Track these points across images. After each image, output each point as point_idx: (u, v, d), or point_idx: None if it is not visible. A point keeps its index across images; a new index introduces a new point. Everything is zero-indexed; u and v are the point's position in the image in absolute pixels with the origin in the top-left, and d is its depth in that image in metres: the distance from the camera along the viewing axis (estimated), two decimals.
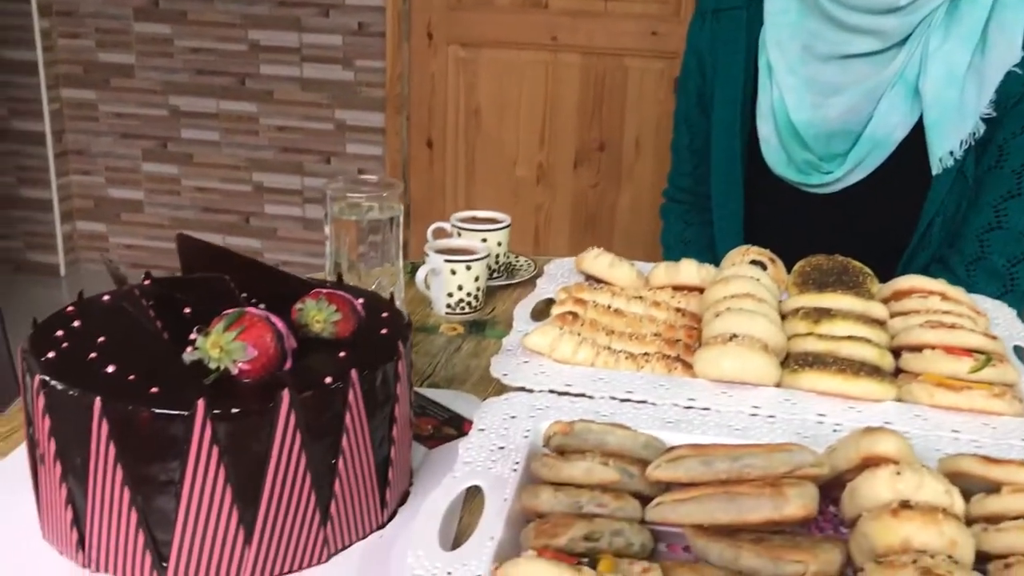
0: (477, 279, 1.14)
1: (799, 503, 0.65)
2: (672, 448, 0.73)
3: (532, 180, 3.18)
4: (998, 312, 1.13)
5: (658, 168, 3.06)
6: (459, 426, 0.90)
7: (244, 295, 0.73)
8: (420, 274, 1.13)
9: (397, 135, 3.22)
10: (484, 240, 1.21)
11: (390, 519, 0.76)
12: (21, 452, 0.82)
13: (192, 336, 0.71)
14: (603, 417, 0.85)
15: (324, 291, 0.73)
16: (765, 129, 1.38)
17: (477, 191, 3.23)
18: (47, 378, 0.65)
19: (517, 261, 1.32)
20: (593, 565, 0.61)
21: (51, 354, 0.68)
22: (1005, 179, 1.26)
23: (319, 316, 0.72)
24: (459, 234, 1.23)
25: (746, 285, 1.03)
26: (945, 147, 1.25)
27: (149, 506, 0.64)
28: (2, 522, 0.73)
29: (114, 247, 3.50)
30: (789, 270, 1.19)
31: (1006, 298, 1.27)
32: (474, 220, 1.27)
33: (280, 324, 0.67)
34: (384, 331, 0.76)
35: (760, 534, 0.67)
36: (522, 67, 3.07)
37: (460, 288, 1.13)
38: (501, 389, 0.94)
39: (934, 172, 1.27)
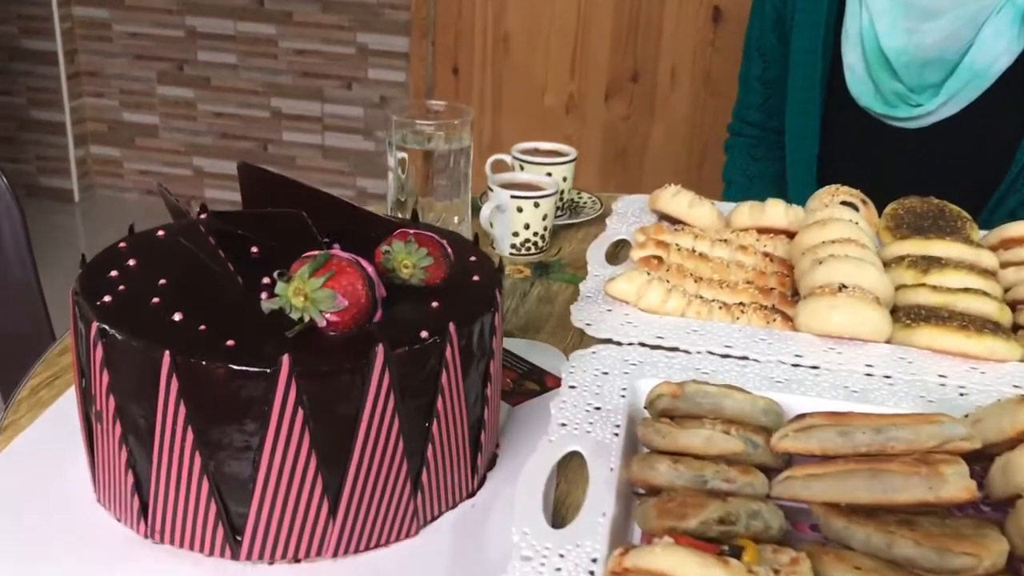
0: (545, 218, 1.05)
1: (960, 484, 0.57)
2: (802, 416, 0.65)
3: (561, 111, 3.06)
4: None
5: (694, 100, 2.94)
6: (541, 380, 0.82)
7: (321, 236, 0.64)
8: (485, 211, 1.04)
9: (422, 61, 3.09)
10: (549, 174, 1.12)
11: (480, 486, 0.68)
12: (67, 402, 0.74)
13: (265, 279, 0.63)
14: (704, 375, 0.77)
15: (412, 231, 0.64)
16: (851, 56, 1.28)
17: (504, 121, 3.11)
18: (106, 327, 0.57)
19: (580, 198, 1.23)
20: (733, 553, 0.53)
21: (107, 298, 0.60)
22: None
23: (408, 260, 0.63)
24: (522, 167, 1.14)
25: (846, 229, 0.94)
26: None
27: (222, 473, 0.57)
28: (49, 482, 0.66)
29: (128, 172, 3.40)
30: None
31: None
32: (536, 152, 1.18)
33: (370, 270, 0.58)
34: (476, 278, 0.67)
35: (906, 515, 0.59)
36: None
37: (527, 227, 1.04)
38: (580, 339, 0.87)
39: None
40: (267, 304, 0.57)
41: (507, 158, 1.17)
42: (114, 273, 0.63)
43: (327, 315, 0.56)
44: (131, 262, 0.65)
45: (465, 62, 3.07)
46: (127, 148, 3.38)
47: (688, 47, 2.91)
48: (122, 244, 0.68)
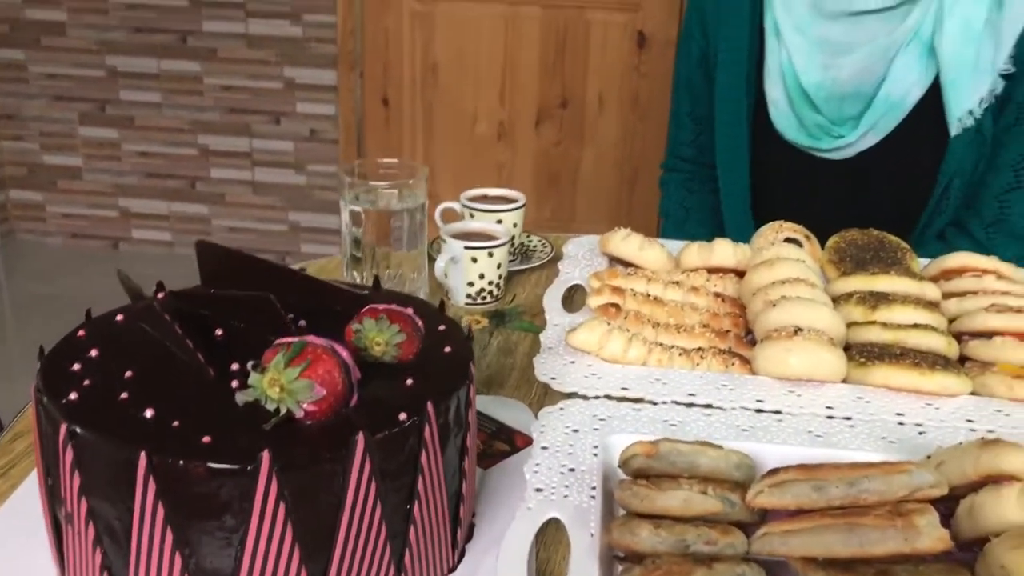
0: (499, 266, 1.06)
1: (934, 535, 0.59)
2: (775, 471, 0.66)
3: (493, 138, 3.08)
4: None
5: (622, 124, 2.98)
6: (511, 440, 0.82)
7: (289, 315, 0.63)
8: (439, 263, 1.04)
9: (351, 93, 3.08)
10: (500, 222, 1.12)
11: (460, 559, 0.68)
12: (27, 494, 0.72)
13: (234, 366, 0.62)
14: (672, 427, 0.78)
15: (382, 308, 0.64)
16: (774, 92, 1.32)
17: (436, 149, 3.12)
18: (76, 428, 0.55)
19: (530, 241, 1.23)
20: None
21: (73, 395, 0.58)
22: None
23: (380, 338, 0.62)
24: (472, 215, 1.14)
25: (795, 269, 0.96)
26: (964, 106, 1.21)
27: (203, 571, 0.55)
28: None
29: (51, 216, 3.31)
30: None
31: None
32: (485, 199, 1.18)
33: (345, 355, 0.58)
34: (447, 349, 0.67)
35: (882, 565, 0.61)
36: (480, 21, 2.95)
37: (482, 277, 1.04)
38: (546, 392, 0.87)
39: (952, 133, 1.22)
40: (242, 396, 0.56)
41: (456, 206, 1.17)
42: (76, 366, 0.61)
43: (305, 405, 0.56)
44: (93, 353, 0.63)
45: (395, 93, 3.07)
46: (49, 191, 3.28)
47: (615, 73, 2.95)
48: (81, 332, 0.66)
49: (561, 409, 0.80)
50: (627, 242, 1.08)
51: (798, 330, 0.86)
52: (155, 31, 3.04)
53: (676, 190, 1.54)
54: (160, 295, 0.69)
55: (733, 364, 0.89)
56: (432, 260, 1.07)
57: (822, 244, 1.13)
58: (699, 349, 0.90)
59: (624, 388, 0.84)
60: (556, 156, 3.08)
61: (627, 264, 1.08)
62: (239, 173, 3.21)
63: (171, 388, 0.60)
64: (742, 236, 1.35)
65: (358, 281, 0.97)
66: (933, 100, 1.22)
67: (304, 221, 3.27)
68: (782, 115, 1.32)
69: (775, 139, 1.34)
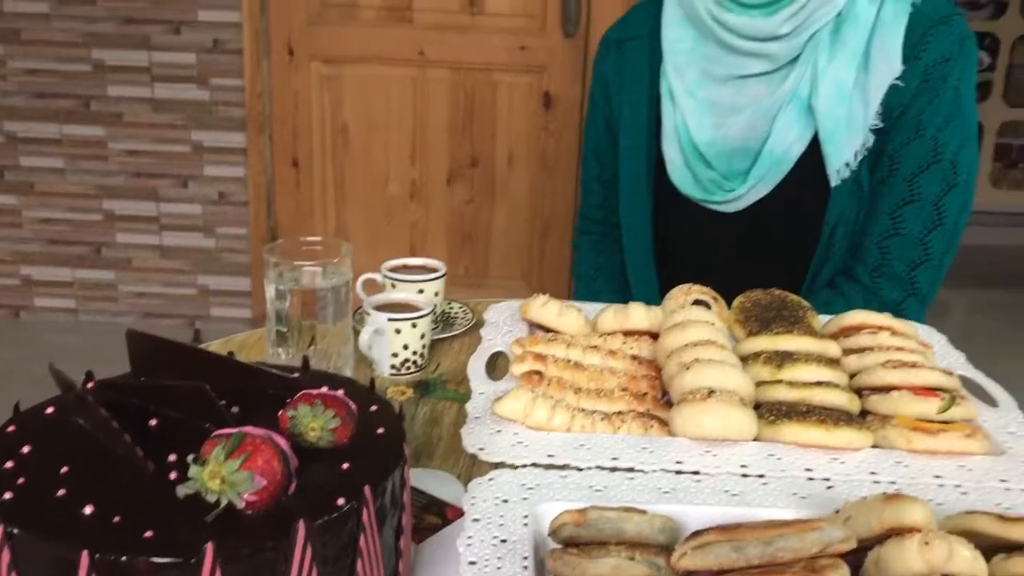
0: (423, 336, 1.08)
1: None
2: (697, 533, 0.69)
3: (405, 197, 3.11)
4: (931, 338, 1.16)
5: (532, 182, 3.05)
6: (442, 512, 0.84)
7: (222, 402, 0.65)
8: (364, 336, 1.05)
9: (260, 155, 3.07)
10: (421, 291, 1.15)
11: None
12: None
13: (172, 456, 0.62)
14: (597, 492, 0.81)
15: (316, 393, 0.66)
16: (670, 151, 1.41)
17: (348, 210, 3.13)
18: (14, 529, 0.55)
19: (452, 308, 1.26)
20: None
21: (8, 494, 0.58)
22: (899, 187, 1.31)
23: (315, 424, 0.64)
24: (393, 286, 1.16)
25: (705, 331, 1.01)
26: (840, 159, 1.30)
27: None
28: None
29: None
30: (693, 275, 1.19)
31: (908, 302, 1.33)
32: (405, 268, 1.21)
33: (283, 443, 0.59)
34: (380, 430, 0.69)
35: None
36: (389, 83, 3.00)
37: (406, 347, 1.06)
38: (473, 462, 0.89)
39: (832, 184, 1.32)
40: (182, 489, 0.57)
41: (378, 277, 1.19)
42: (9, 464, 0.61)
43: (245, 496, 0.57)
44: (25, 449, 0.63)
45: (304, 155, 3.08)
46: None
47: (523, 132, 3.02)
48: (10, 428, 0.66)
49: (490, 480, 0.82)
50: (546, 308, 1.11)
51: (711, 392, 0.91)
52: (57, 96, 2.99)
53: (587, 252, 1.60)
54: (90, 384, 0.69)
55: (652, 427, 0.92)
56: (356, 331, 1.09)
57: (728, 301, 1.18)
58: (619, 413, 0.94)
59: (550, 455, 0.87)
60: (468, 214, 3.13)
61: (547, 329, 1.12)
62: (146, 238, 3.17)
63: (109, 483, 0.60)
64: (647, 293, 1.41)
65: (284, 358, 0.98)
66: (814, 154, 1.32)
67: (214, 284, 3.24)
68: (678, 172, 1.41)
69: (674, 196, 1.43)
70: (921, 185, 1.30)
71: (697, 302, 1.15)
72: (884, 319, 1.08)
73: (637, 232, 1.48)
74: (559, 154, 2.99)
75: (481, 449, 0.87)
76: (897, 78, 1.27)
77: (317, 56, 2.98)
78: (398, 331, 1.05)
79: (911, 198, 1.31)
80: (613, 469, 0.85)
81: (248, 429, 0.59)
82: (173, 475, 0.60)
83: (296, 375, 0.74)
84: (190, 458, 0.57)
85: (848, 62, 1.27)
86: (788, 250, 1.39)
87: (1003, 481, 0.86)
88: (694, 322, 1.03)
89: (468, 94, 3.00)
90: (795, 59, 1.31)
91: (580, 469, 0.85)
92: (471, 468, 0.89)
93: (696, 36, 1.36)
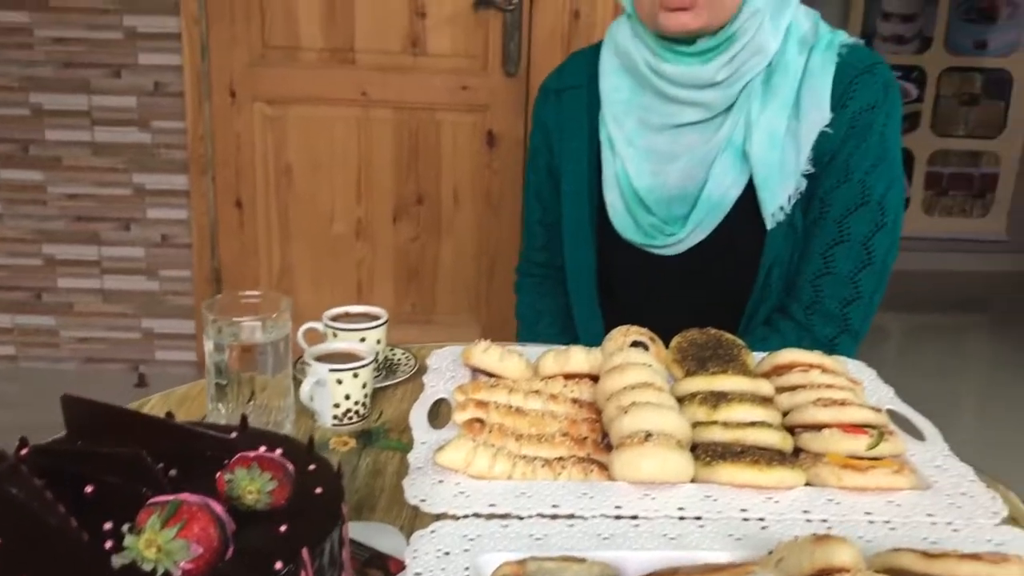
0: (365, 386, 1.08)
1: None
2: None
3: (351, 236, 3.11)
4: (861, 373, 1.19)
5: (478, 219, 3.07)
6: (384, 567, 0.84)
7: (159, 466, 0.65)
8: (305, 387, 1.06)
9: (203, 197, 3.06)
10: (363, 340, 1.16)
11: None
12: None
13: (107, 525, 0.62)
14: (538, 541, 0.82)
15: (253, 455, 0.66)
16: (612, 197, 1.44)
17: (293, 250, 3.12)
18: None
19: (394, 355, 1.27)
20: None
21: None
22: (829, 228, 1.36)
23: (253, 487, 0.64)
24: (335, 335, 1.17)
25: (642, 374, 1.03)
26: (775, 203, 1.35)
27: None
28: None
29: None
30: (648, 330, 1.21)
31: (841, 338, 1.37)
32: (347, 316, 1.21)
33: (219, 509, 0.60)
34: (319, 490, 0.69)
35: None
36: (333, 123, 3.01)
37: (348, 398, 1.07)
38: (416, 513, 0.90)
39: (768, 227, 1.36)
40: (118, 559, 0.57)
41: (319, 326, 1.19)
42: None
43: (182, 564, 0.57)
44: None
45: (248, 195, 3.07)
46: None
47: (467, 170, 3.05)
48: None
49: (432, 532, 0.83)
50: (488, 354, 1.13)
51: (648, 435, 0.93)
52: None
53: (528, 294, 1.62)
54: (23, 451, 0.68)
55: (592, 471, 0.94)
56: (297, 381, 1.09)
57: (667, 341, 1.21)
58: (560, 459, 0.95)
59: (491, 504, 0.88)
60: (415, 251, 3.14)
61: (490, 374, 1.13)
62: (88, 282, 3.12)
63: (44, 554, 0.60)
64: (592, 334, 1.44)
65: (223, 413, 0.98)
66: (750, 198, 1.36)
67: (158, 327, 3.20)
68: (620, 217, 1.44)
69: (617, 240, 1.46)
70: (851, 226, 1.35)
71: (635, 343, 1.17)
72: (815, 357, 1.11)
73: (582, 275, 1.51)
74: (503, 191, 3.02)
75: (423, 500, 0.88)
76: (826, 125, 1.32)
77: (259, 97, 2.98)
78: (339, 382, 1.06)
79: (841, 238, 1.35)
80: (554, 516, 0.86)
81: (184, 496, 0.59)
82: (109, 544, 0.59)
83: (234, 435, 0.74)
84: (125, 527, 0.58)
85: (780, 110, 1.32)
86: (726, 290, 1.43)
87: (929, 515, 0.89)
88: (632, 364, 1.05)
89: (412, 133, 3.02)
90: (729, 108, 1.35)
91: (521, 518, 0.86)
92: (414, 519, 0.89)
93: (633, 86, 1.40)
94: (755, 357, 1.17)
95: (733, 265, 1.41)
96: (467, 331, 3.18)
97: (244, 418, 0.78)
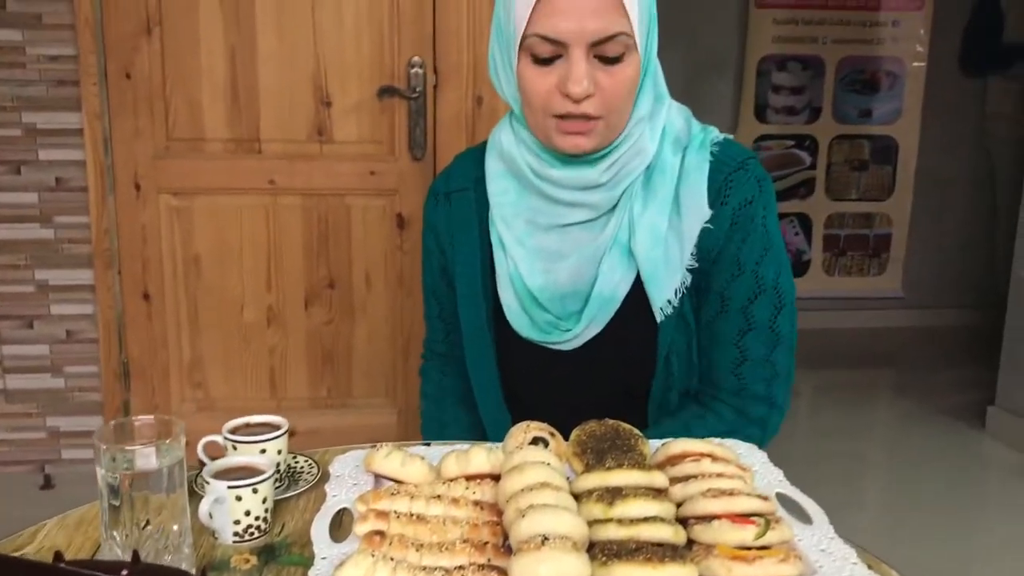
0: (265, 500, 1.08)
1: None
2: None
3: (262, 323, 3.10)
4: (752, 457, 1.24)
5: (391, 300, 3.10)
6: None
7: None
8: (203, 506, 1.05)
9: (109, 291, 3.02)
10: (263, 451, 1.16)
11: None
12: None
13: None
14: None
15: None
16: (506, 297, 1.48)
17: (203, 340, 3.09)
18: None
19: (296, 462, 1.27)
20: None
21: None
22: (735, 318, 1.42)
23: None
24: (234, 447, 1.17)
25: (540, 473, 1.06)
26: (663, 296, 1.40)
27: None
28: None
29: None
30: (555, 423, 1.24)
31: (771, 413, 1.44)
32: (247, 428, 1.21)
33: None
34: None
35: None
36: (240, 212, 3.02)
37: (248, 514, 1.07)
38: None
39: (658, 319, 1.41)
40: None
41: (219, 439, 1.19)
42: None
43: None
44: None
45: (156, 288, 3.04)
46: None
47: (378, 252, 3.08)
48: None
49: None
50: (389, 459, 1.14)
51: (545, 539, 0.95)
52: None
53: (433, 373, 1.66)
54: None
55: None
56: (197, 497, 1.08)
57: (567, 433, 1.24)
58: (460, 568, 0.96)
59: None
60: (328, 335, 3.14)
61: (393, 479, 1.14)
62: None
63: None
64: (500, 429, 1.46)
65: (118, 541, 0.97)
66: (639, 293, 1.41)
67: (65, 426, 3.12)
68: (516, 316, 1.47)
69: (515, 337, 1.49)
70: (754, 313, 1.41)
71: (536, 440, 1.20)
72: (705, 446, 1.15)
73: (483, 373, 1.54)
74: (415, 272, 3.05)
75: None
76: (707, 221, 1.37)
77: (165, 189, 2.98)
78: (239, 498, 1.06)
79: (749, 327, 1.41)
80: None
81: None
82: None
83: (125, 573, 0.74)
84: None
85: (660, 208, 1.37)
86: (627, 381, 1.48)
87: None
88: (531, 464, 1.08)
89: (322, 218, 3.05)
90: (613, 208, 1.40)
91: None
92: None
93: (519, 188, 1.43)
94: (651, 446, 1.21)
95: (629, 356, 1.45)
96: (384, 415, 3.18)
97: (136, 554, 0.78)
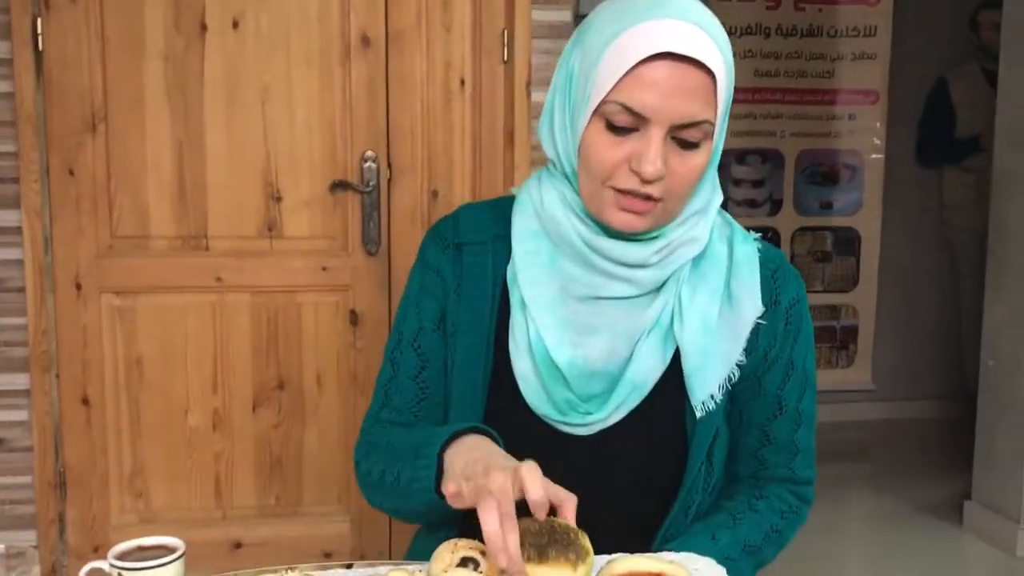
0: None
1: None
2: None
3: (208, 428, 2.96)
4: (709, 571, 1.12)
5: (343, 401, 2.98)
6: None
7: None
8: None
9: (45, 396, 2.87)
10: None
11: None
12: None
13: None
14: None
15: None
16: (523, 366, 1.32)
17: (145, 446, 2.94)
18: None
19: None
20: None
21: None
22: (789, 418, 1.36)
23: None
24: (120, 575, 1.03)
25: None
26: (705, 391, 1.30)
27: None
28: None
29: None
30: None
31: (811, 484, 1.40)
32: (140, 551, 1.08)
33: None
34: None
35: None
36: (186, 310, 2.91)
37: None
38: None
39: (698, 415, 1.31)
40: None
41: (104, 565, 1.06)
42: None
43: None
44: None
45: (96, 392, 2.90)
46: None
47: (331, 351, 2.97)
48: None
49: None
50: None
51: None
52: None
53: (379, 435, 1.39)
54: None
55: None
56: None
57: (585, 531, 1.10)
58: None
59: None
60: (277, 439, 3.00)
61: None
62: None
63: None
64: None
65: None
66: (670, 381, 1.30)
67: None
68: (532, 389, 1.32)
69: (521, 411, 1.33)
70: (804, 408, 1.37)
71: (464, 560, 1.08)
72: (655, 564, 1.04)
73: None
74: (369, 371, 2.93)
75: None
76: (759, 317, 1.30)
77: (108, 288, 2.88)
78: None
79: (801, 420, 1.37)
80: None
81: None
82: None
83: None
84: None
85: (712, 298, 1.29)
86: (649, 479, 1.35)
87: None
88: None
89: (271, 316, 2.95)
90: (658, 289, 1.30)
91: None
92: None
93: (552, 251, 1.30)
94: (597, 564, 1.09)
95: (652, 448, 1.34)
96: (336, 523, 3.02)
97: None
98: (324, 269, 2.93)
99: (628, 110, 1.17)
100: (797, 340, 1.35)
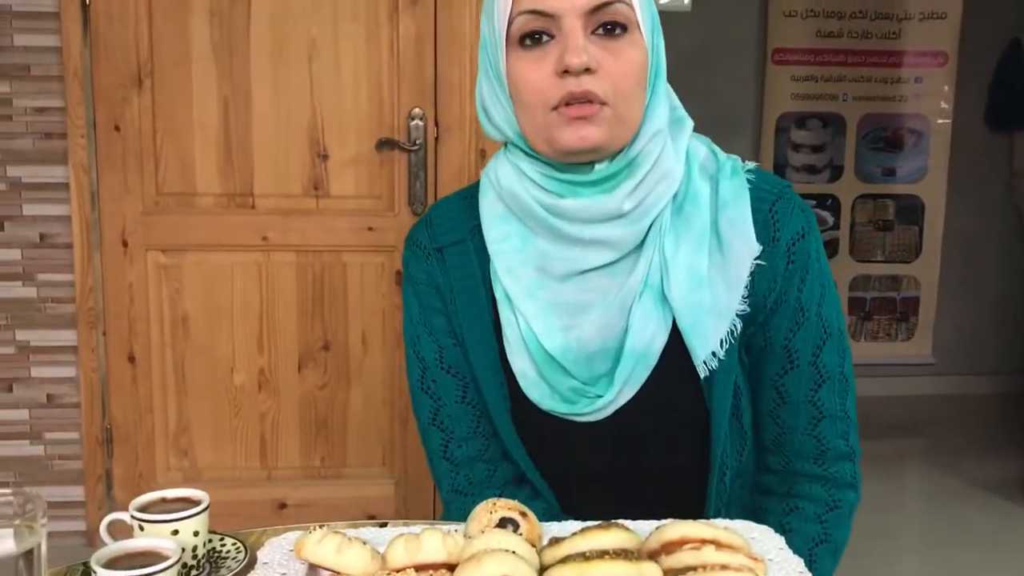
0: None
1: None
2: None
3: (253, 387, 2.94)
4: (767, 543, 1.04)
5: (388, 363, 2.93)
6: None
7: None
8: None
9: (92, 352, 2.87)
10: (176, 532, 0.98)
11: None
12: None
13: None
14: None
15: None
16: (520, 363, 1.23)
17: (190, 405, 2.93)
18: None
19: (224, 544, 1.09)
20: None
21: None
22: (806, 373, 1.23)
23: None
24: (141, 527, 0.99)
25: (503, 564, 0.87)
26: (706, 349, 1.19)
27: None
28: None
29: None
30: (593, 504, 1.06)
31: (855, 467, 1.26)
32: (162, 503, 1.03)
33: None
34: None
35: None
36: (232, 269, 2.88)
37: None
38: None
39: (701, 375, 1.20)
40: None
41: (125, 517, 1.01)
42: None
43: None
44: None
45: (142, 349, 2.89)
46: None
47: (376, 312, 2.93)
48: None
49: None
50: (322, 546, 0.95)
51: None
52: None
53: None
54: None
55: None
56: None
57: (624, 515, 1.02)
58: None
59: None
60: (322, 400, 2.97)
61: (329, 569, 0.96)
62: None
63: None
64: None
65: None
66: (680, 344, 1.20)
67: (44, 496, 2.93)
68: (533, 385, 1.23)
69: (532, 411, 1.25)
70: (825, 364, 1.23)
71: (503, 521, 1.01)
72: (708, 530, 0.95)
73: (511, 452, 1.29)
74: None
75: None
76: (758, 258, 1.19)
77: (153, 246, 2.86)
78: None
79: (822, 379, 1.23)
80: None
81: None
82: None
83: None
84: None
85: (698, 244, 1.18)
86: (677, 457, 1.26)
87: None
88: (492, 553, 0.89)
89: (317, 276, 2.90)
90: (640, 246, 1.19)
91: None
92: None
93: (523, 231, 1.22)
94: (642, 532, 1.01)
95: (672, 422, 1.24)
96: (380, 486, 2.99)
97: None
98: (370, 229, 2.88)
99: (535, 12, 1.12)
100: (804, 281, 1.20)
